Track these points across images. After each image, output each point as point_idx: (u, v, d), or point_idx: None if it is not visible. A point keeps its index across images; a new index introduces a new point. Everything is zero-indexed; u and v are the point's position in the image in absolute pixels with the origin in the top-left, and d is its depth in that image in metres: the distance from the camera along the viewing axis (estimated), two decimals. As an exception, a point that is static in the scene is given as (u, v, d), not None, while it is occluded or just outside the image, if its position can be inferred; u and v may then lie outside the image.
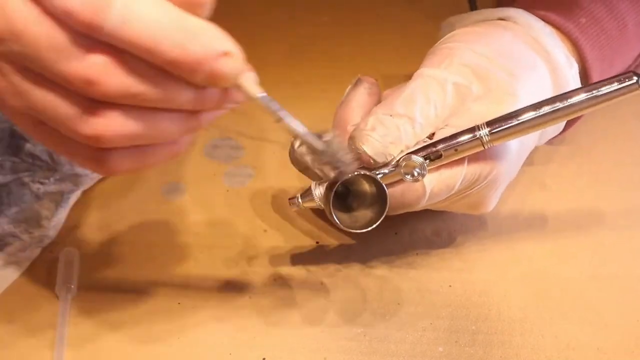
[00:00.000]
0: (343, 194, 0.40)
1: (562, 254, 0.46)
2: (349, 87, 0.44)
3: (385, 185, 0.39)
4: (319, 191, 0.41)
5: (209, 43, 0.26)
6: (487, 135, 0.38)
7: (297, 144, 0.35)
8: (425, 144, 0.40)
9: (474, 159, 0.40)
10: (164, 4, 0.26)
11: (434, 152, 0.38)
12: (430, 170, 0.39)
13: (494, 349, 0.40)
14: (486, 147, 0.38)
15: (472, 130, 0.38)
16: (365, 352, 0.40)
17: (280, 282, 0.44)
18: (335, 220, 0.38)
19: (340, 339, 0.41)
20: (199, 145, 0.53)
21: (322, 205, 0.40)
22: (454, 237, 0.47)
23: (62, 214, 0.47)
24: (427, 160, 0.38)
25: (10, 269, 0.44)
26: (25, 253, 0.45)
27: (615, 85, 0.36)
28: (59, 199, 0.47)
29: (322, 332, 0.41)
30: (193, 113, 0.30)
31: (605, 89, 0.36)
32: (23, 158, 0.49)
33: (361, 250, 0.46)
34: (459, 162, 0.39)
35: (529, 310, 0.42)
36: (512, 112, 0.38)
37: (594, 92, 0.37)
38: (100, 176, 0.49)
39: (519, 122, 0.38)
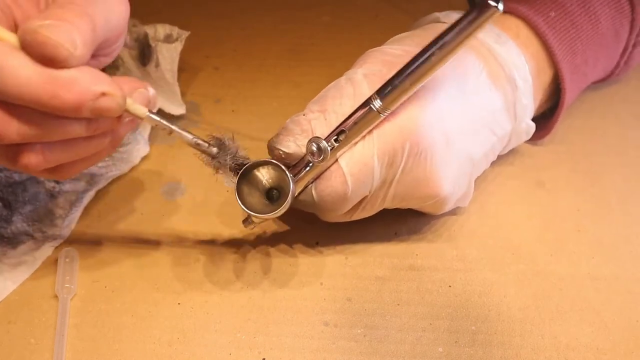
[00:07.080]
0: (273, 195, 0.40)
1: (561, 255, 0.46)
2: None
3: (314, 180, 0.40)
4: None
5: (84, 89, 0.31)
6: (379, 101, 0.38)
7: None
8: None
9: (383, 134, 0.40)
10: (33, 65, 0.30)
11: (339, 131, 0.39)
12: (344, 154, 0.39)
13: (493, 350, 0.40)
14: (383, 114, 0.38)
15: (366, 102, 0.39)
16: (365, 353, 0.40)
17: (280, 282, 0.44)
18: (240, 204, 0.39)
19: (340, 339, 0.41)
20: (199, 145, 0.54)
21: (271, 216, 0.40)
22: (454, 237, 0.47)
23: (75, 214, 0.47)
24: (336, 143, 0.39)
25: (23, 267, 0.44)
26: (38, 252, 0.45)
27: (475, 14, 0.35)
28: (73, 198, 0.48)
29: (322, 332, 0.41)
30: (93, 135, 0.34)
31: (466, 19, 0.35)
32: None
33: (361, 250, 0.46)
34: (367, 137, 0.40)
35: (529, 311, 0.42)
36: (394, 74, 0.38)
37: (456, 27, 0.36)
38: (114, 176, 0.50)
39: (400, 78, 0.37)
